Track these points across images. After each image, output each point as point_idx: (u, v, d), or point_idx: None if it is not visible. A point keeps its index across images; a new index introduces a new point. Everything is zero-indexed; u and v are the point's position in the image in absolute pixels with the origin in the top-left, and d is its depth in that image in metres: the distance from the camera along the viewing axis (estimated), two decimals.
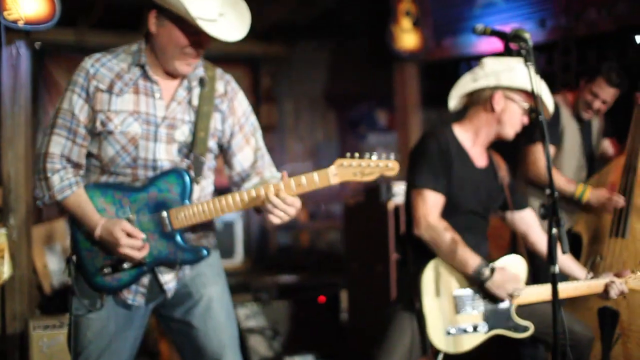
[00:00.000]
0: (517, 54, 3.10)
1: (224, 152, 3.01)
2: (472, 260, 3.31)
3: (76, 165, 2.83)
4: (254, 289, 5.99)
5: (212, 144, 2.91)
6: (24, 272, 5.07)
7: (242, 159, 2.99)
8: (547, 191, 2.93)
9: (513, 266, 3.43)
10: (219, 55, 8.71)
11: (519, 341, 3.55)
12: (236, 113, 2.99)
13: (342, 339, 5.68)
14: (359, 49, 8.73)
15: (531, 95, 3.12)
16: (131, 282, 2.83)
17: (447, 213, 3.44)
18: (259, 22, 8.78)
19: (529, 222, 3.72)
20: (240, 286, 6.26)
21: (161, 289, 2.88)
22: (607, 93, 4.49)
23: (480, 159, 3.58)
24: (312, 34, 9.18)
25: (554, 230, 2.88)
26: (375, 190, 5.04)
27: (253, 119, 3.07)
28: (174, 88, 2.88)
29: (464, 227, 3.46)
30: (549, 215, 2.92)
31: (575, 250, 4.24)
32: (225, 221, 8.12)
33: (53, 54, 6.81)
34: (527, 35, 3.08)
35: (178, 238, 2.78)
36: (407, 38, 7.24)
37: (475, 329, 3.35)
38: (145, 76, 2.83)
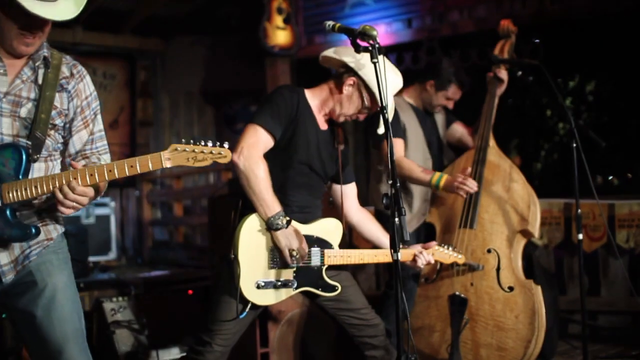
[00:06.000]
0: (365, 49, 3.19)
1: (64, 131, 2.95)
2: (275, 205, 3.35)
3: None
4: (123, 284, 5.95)
5: (59, 122, 2.88)
6: None
7: (76, 141, 2.94)
8: (390, 181, 3.06)
9: (326, 227, 3.55)
10: (94, 49, 8.73)
11: None
12: (80, 96, 2.94)
13: None
14: (234, 45, 8.78)
15: (376, 99, 3.21)
16: None
17: (289, 164, 3.51)
18: (134, 16, 8.78)
19: (349, 194, 3.81)
20: (110, 281, 6.22)
21: None
22: (458, 94, 4.74)
23: (323, 123, 3.67)
24: (188, 29, 9.16)
25: (396, 219, 3.03)
26: (237, 182, 5.03)
27: (96, 104, 3.01)
28: (20, 66, 2.82)
29: (302, 183, 3.55)
30: (392, 205, 3.05)
31: (430, 240, 4.38)
32: (99, 215, 8.01)
33: None
34: (374, 33, 3.15)
35: (7, 213, 2.72)
36: (279, 35, 7.36)
37: (284, 284, 3.44)
38: None
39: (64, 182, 2.67)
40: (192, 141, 2.65)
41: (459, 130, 4.90)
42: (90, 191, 2.68)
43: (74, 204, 2.65)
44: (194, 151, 2.63)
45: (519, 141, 10.55)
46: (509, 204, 4.36)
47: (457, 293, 4.23)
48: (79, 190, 2.63)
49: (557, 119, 10.15)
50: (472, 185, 4.23)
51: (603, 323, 5.98)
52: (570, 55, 7.37)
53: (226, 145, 2.70)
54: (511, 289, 4.20)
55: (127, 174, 2.66)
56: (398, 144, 4.42)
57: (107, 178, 2.67)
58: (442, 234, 4.46)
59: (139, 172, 2.66)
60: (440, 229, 4.48)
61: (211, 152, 2.65)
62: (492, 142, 4.46)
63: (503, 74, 4.59)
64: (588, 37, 7.10)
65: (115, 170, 2.65)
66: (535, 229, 4.35)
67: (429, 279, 4.34)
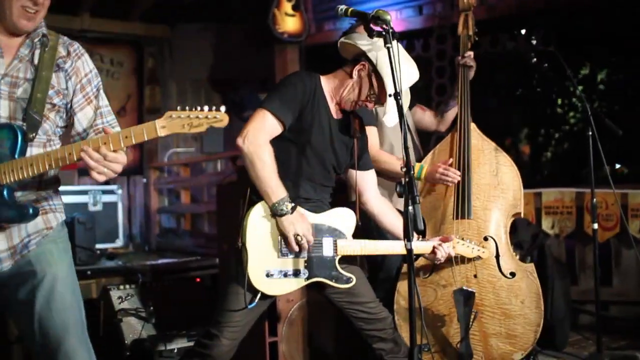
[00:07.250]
0: (378, 34, 3.14)
1: (67, 112, 2.92)
2: (280, 191, 3.26)
3: None
4: (131, 272, 5.92)
5: (57, 100, 2.85)
6: None
7: (81, 118, 2.91)
8: (404, 169, 3.01)
9: (339, 216, 3.48)
10: (101, 36, 8.69)
11: None
12: (79, 74, 2.92)
13: None
14: (242, 32, 8.72)
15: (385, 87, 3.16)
16: None
17: (299, 153, 3.43)
18: (142, 3, 8.73)
19: (368, 181, 3.73)
20: (118, 269, 6.19)
21: None
22: None
23: (337, 112, 3.56)
24: (195, 15, 9.11)
25: (410, 208, 2.97)
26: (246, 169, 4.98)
27: (97, 81, 2.99)
28: (17, 46, 2.81)
29: (311, 173, 3.46)
30: (405, 192, 3.00)
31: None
32: (106, 202, 7.97)
33: None
34: (387, 17, 3.10)
35: (5, 194, 2.68)
36: (288, 21, 7.30)
37: (296, 274, 3.35)
38: None
39: (61, 156, 2.62)
40: (187, 108, 2.55)
41: (419, 113, 4.74)
42: (122, 157, 2.61)
43: (105, 170, 2.59)
44: (189, 117, 2.53)
45: (529, 130, 10.58)
46: (500, 188, 4.26)
47: (464, 287, 4.10)
48: (110, 156, 2.57)
49: (568, 108, 10.16)
50: (454, 175, 4.16)
51: (615, 314, 5.93)
52: (582, 44, 7.33)
53: (222, 109, 2.59)
54: (513, 274, 4.12)
55: (122, 145, 2.58)
56: (373, 132, 4.20)
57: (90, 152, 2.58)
58: (436, 226, 4.32)
59: (134, 142, 2.58)
60: (432, 221, 4.35)
61: (207, 117, 2.53)
62: (472, 125, 4.37)
63: (471, 58, 4.49)
64: (599, 25, 7.05)
65: (110, 142, 2.57)
66: (522, 209, 4.30)
67: (425, 274, 4.23)
